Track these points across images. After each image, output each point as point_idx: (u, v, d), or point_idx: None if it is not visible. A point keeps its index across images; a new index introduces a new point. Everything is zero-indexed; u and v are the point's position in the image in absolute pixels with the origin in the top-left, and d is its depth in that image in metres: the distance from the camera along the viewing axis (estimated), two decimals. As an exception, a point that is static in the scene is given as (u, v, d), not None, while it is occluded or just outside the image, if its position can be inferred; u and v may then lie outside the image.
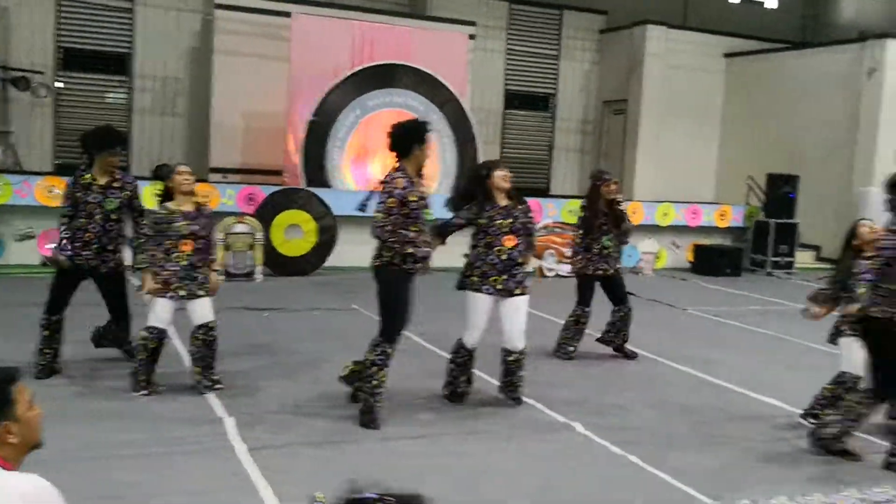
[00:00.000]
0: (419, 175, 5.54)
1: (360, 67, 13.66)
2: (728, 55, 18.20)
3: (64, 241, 6.08)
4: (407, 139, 5.54)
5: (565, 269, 12.67)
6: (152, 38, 15.01)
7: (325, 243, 11.80)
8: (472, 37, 15.62)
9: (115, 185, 6.15)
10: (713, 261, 14.31)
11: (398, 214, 5.29)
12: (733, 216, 15.34)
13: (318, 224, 11.78)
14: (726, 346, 8.51)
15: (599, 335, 7.60)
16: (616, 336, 7.55)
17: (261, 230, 11.26)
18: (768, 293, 12.24)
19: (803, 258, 15.44)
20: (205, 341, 5.85)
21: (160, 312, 5.79)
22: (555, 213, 13.96)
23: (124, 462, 4.57)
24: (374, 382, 5.32)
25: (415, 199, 5.36)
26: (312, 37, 13.67)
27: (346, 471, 4.54)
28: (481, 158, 14.81)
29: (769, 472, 4.94)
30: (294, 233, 11.76)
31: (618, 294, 7.47)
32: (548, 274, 12.92)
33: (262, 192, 11.96)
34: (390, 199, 5.29)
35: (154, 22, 15.05)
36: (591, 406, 6.06)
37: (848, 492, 4.57)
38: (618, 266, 7.47)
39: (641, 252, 13.90)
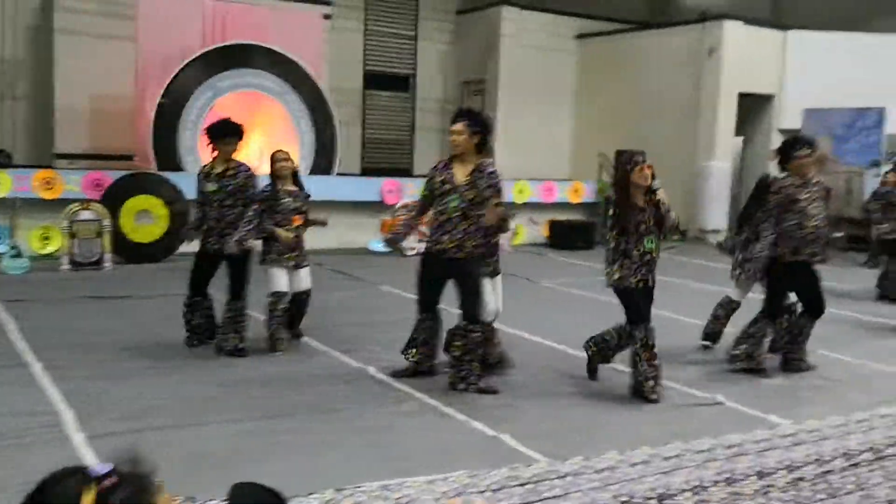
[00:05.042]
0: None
1: (212, 47, 13.32)
2: (579, 36, 18.75)
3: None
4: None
5: (426, 247, 12.83)
6: (-14, 17, 14.19)
7: (178, 229, 11.49)
8: (327, 16, 15.50)
9: (230, 173, 6.54)
10: (567, 235, 14.80)
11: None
12: (586, 192, 15.89)
13: (170, 209, 11.46)
14: (575, 315, 8.84)
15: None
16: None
17: (109, 217, 10.85)
18: (619, 264, 12.76)
19: (653, 230, 16.15)
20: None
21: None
22: (415, 192, 14.06)
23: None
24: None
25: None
26: (160, 15, 13.22)
27: (191, 454, 4.51)
28: (340, 139, 14.77)
29: (604, 430, 5.19)
30: (145, 218, 11.39)
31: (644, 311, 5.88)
32: (408, 253, 13.02)
33: (109, 177, 11.52)
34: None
35: (-13, -1, 14.23)
36: (435, 377, 6.17)
37: (674, 444, 4.86)
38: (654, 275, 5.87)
39: (500, 229, 14.20)
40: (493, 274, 6.22)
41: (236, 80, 13.42)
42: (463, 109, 6.10)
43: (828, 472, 4.57)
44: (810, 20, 17.02)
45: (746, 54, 16.10)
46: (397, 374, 6.15)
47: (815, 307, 6.66)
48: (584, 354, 6.33)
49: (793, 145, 6.65)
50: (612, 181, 6.08)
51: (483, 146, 5.81)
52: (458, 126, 5.73)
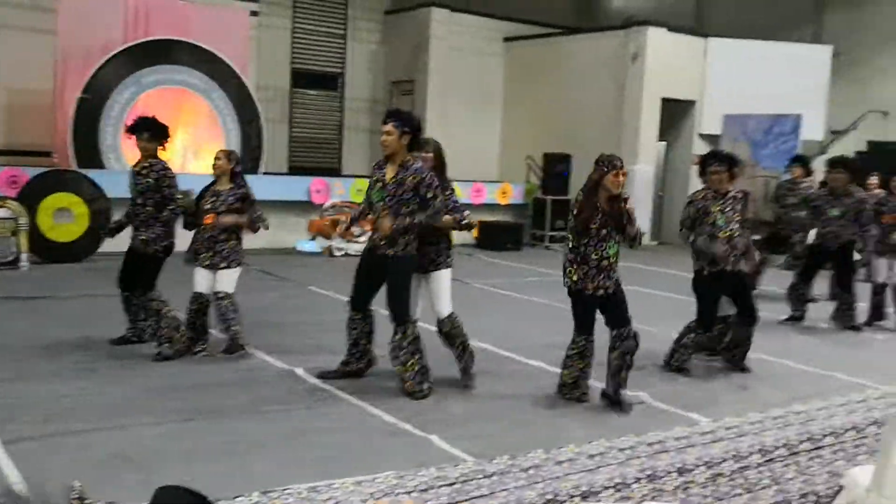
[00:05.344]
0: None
1: (135, 42, 13.04)
2: (507, 39, 18.93)
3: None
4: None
5: (354, 248, 12.79)
6: None
7: (99, 227, 11.20)
8: (254, 13, 15.32)
9: (143, 171, 6.46)
10: (496, 236, 14.93)
11: None
12: (514, 194, 16.07)
13: (90, 207, 11.16)
14: (501, 314, 8.93)
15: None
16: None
17: (25, 215, 10.51)
18: (545, 265, 12.93)
19: (578, 232, 16.42)
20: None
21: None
22: (343, 192, 14.03)
23: None
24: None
25: None
26: (82, 8, 12.88)
27: (113, 457, 4.41)
28: (267, 138, 14.62)
29: (530, 429, 5.26)
30: (64, 217, 11.07)
31: (618, 314, 5.76)
32: (336, 253, 12.97)
33: (26, 173, 11.17)
34: None
35: None
36: (364, 378, 6.16)
37: (598, 442, 4.96)
38: (618, 280, 5.76)
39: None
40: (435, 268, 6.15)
41: (160, 76, 13.16)
42: (392, 110, 6.12)
43: (745, 467, 4.73)
44: (731, 29, 17.53)
45: (669, 60, 16.48)
46: (325, 376, 6.12)
47: (744, 313, 6.88)
48: (511, 355, 6.39)
49: (709, 159, 6.90)
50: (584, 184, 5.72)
51: (414, 146, 5.85)
52: (388, 127, 5.75)
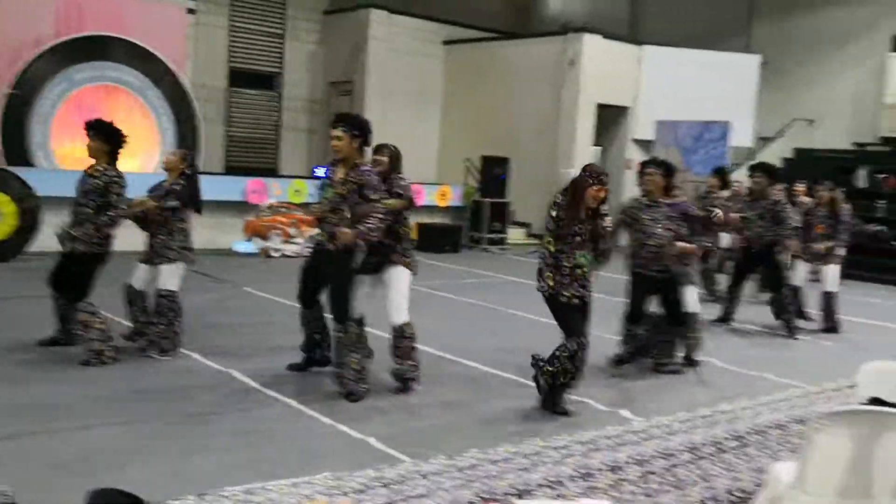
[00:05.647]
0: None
1: (68, 38, 12.77)
2: (446, 42, 19.03)
3: None
4: None
5: (290, 249, 12.73)
6: None
7: (27, 227, 10.92)
8: (191, 11, 15.13)
9: (92, 172, 6.33)
10: (435, 238, 14.99)
11: None
12: (453, 196, 16.16)
13: (19, 206, 10.86)
14: (439, 316, 8.98)
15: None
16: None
17: (-51, 213, 10.21)
18: (483, 267, 13.07)
19: (515, 235, 16.63)
20: None
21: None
22: (280, 192, 13.93)
23: None
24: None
25: None
26: (12, 2, 12.56)
27: (47, 462, 4.34)
28: (203, 137, 14.44)
29: (466, 430, 5.32)
30: (-9, 216, 10.79)
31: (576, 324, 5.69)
32: (273, 254, 12.88)
33: (-49, 171, 10.85)
34: None
35: None
36: (299, 379, 6.17)
37: (533, 441, 5.05)
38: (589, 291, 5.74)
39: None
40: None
41: (93, 72, 12.92)
42: (340, 114, 6.19)
43: (675, 465, 4.87)
44: (664, 37, 17.91)
45: (605, 67, 16.77)
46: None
47: (671, 316, 7.06)
48: (448, 356, 6.44)
49: (647, 164, 7.14)
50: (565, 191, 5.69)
51: (363, 149, 5.92)
52: (338, 132, 5.79)
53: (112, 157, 6.38)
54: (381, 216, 5.72)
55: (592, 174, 5.54)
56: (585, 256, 5.57)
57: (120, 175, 6.35)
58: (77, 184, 6.40)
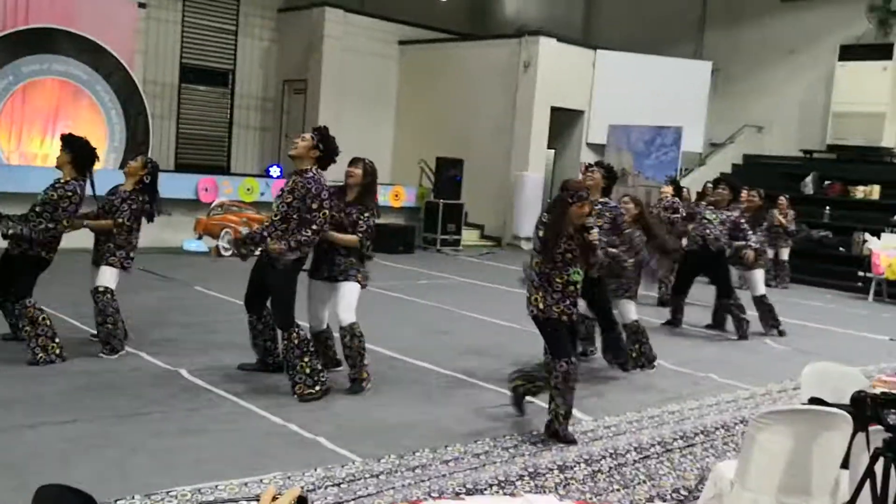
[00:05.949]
0: None
1: (14, 30, 12.50)
2: (402, 42, 19.02)
3: None
4: None
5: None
6: None
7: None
8: (142, 5, 14.93)
9: (55, 183, 6.33)
10: (388, 239, 14.95)
11: None
12: (406, 197, 16.15)
13: (-37, 200, 10.62)
14: (391, 317, 8.99)
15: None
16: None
17: None
18: (436, 268, 13.09)
19: (469, 236, 16.69)
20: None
21: None
22: (231, 190, 13.80)
23: None
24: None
25: None
26: (-46, -8, 12.28)
27: (-16, 462, 4.25)
28: (153, 132, 14.24)
29: (417, 429, 5.32)
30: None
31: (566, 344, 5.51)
32: (224, 253, 12.74)
33: None
34: None
35: None
36: (249, 379, 6.13)
37: (483, 441, 5.08)
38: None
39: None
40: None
41: (41, 65, 12.66)
42: (318, 127, 6.08)
43: (622, 464, 4.94)
44: (618, 42, 18.12)
45: (559, 70, 16.91)
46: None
47: (602, 320, 7.14)
48: (399, 356, 6.45)
49: (588, 167, 7.25)
50: (549, 209, 5.57)
51: (323, 161, 5.87)
52: (306, 135, 5.87)
53: (78, 170, 6.35)
54: (315, 228, 5.68)
55: (572, 192, 5.33)
56: (578, 273, 5.38)
57: (76, 192, 6.29)
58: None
